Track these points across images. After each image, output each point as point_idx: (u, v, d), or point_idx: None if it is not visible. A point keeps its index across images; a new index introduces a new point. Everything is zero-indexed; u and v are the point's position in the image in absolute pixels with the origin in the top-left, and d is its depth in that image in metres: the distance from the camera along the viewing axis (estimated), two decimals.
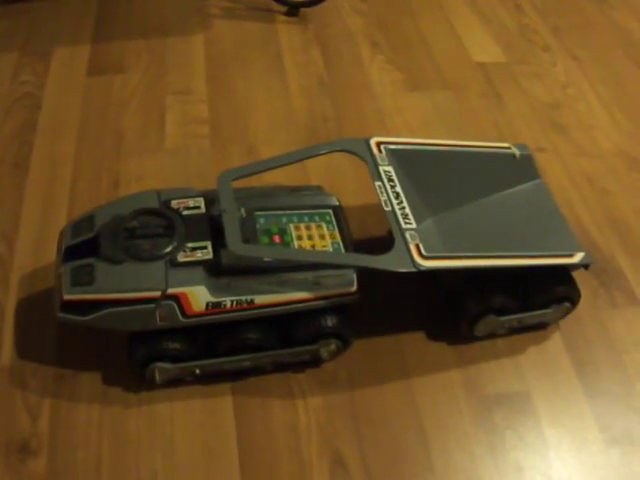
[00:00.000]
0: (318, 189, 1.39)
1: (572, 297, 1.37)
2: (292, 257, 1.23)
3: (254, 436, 1.24)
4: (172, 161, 1.66)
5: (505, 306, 1.33)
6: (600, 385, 1.36)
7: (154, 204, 1.28)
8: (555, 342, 1.41)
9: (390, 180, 1.30)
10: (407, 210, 1.26)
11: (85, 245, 1.23)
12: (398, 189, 1.28)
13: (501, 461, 1.25)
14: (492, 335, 1.40)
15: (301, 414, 1.27)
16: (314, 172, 1.63)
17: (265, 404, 1.28)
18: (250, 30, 2.05)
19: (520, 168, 1.44)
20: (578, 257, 1.32)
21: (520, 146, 1.45)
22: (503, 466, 1.24)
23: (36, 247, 1.48)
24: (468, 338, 1.39)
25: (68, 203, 1.56)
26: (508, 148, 1.44)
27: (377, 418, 1.28)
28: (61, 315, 1.19)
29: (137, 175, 1.62)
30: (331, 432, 1.26)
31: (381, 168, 1.31)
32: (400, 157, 1.34)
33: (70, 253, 1.23)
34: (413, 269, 1.19)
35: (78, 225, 1.27)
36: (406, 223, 1.24)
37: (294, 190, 1.37)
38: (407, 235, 1.21)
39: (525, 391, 1.34)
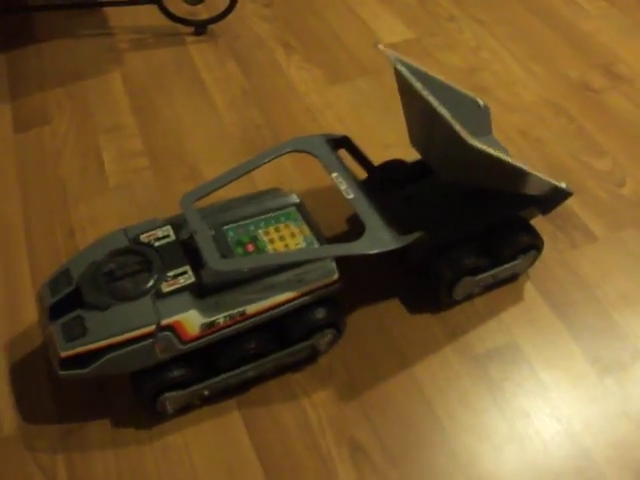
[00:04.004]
0: (276, 191, 1.41)
1: (536, 244, 1.43)
2: (272, 262, 1.25)
3: (271, 444, 1.27)
4: (120, 198, 1.67)
5: (477, 266, 1.38)
6: (581, 322, 1.43)
7: (124, 243, 1.28)
8: (529, 291, 1.47)
9: (410, 75, 1.30)
10: (435, 100, 1.25)
11: (68, 299, 1.22)
12: (419, 84, 1.28)
13: (507, 411, 1.30)
14: (469, 296, 1.45)
15: (309, 412, 1.31)
16: (261, 180, 1.65)
17: (273, 411, 1.31)
18: (163, 57, 2.07)
19: (483, 119, 1.49)
20: (564, 184, 1.36)
21: (481, 100, 1.49)
22: (510, 415, 1.29)
23: (7, 313, 1.47)
24: (448, 304, 1.44)
25: (29, 262, 1.55)
26: (474, 97, 1.48)
27: (381, 398, 1.32)
28: (63, 373, 1.18)
29: (89, 218, 1.63)
30: (342, 421, 1.29)
31: (399, 67, 1.32)
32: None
33: (55, 310, 1.21)
34: (390, 247, 1.23)
35: (55, 281, 1.26)
36: (441, 109, 1.23)
37: (253, 197, 1.39)
38: (448, 118, 1.21)
39: (513, 342, 1.39)
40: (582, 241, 1.56)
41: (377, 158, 1.49)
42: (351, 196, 1.30)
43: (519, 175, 1.29)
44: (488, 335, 1.41)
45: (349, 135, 1.46)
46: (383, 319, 1.43)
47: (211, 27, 2.14)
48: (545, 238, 1.48)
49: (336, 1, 2.26)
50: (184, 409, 1.31)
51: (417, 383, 1.34)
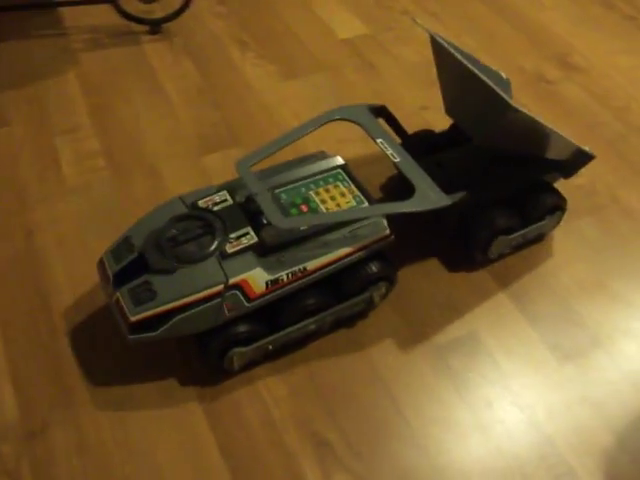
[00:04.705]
0: (321, 154, 1.47)
1: (561, 205, 1.53)
2: (332, 219, 1.31)
3: (235, 442, 1.27)
4: (78, 199, 1.65)
5: (509, 226, 1.46)
6: (539, 311, 1.45)
7: (181, 209, 1.34)
8: (487, 282, 1.50)
9: (447, 46, 1.38)
10: (474, 68, 1.34)
11: (132, 266, 1.27)
12: (458, 54, 1.37)
13: (471, 402, 1.31)
14: (501, 256, 1.53)
15: (272, 408, 1.31)
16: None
17: (235, 408, 1.31)
18: (119, 56, 2.05)
19: (505, 91, 1.50)
20: (588, 148, 1.45)
21: (503, 73, 1.58)
22: (474, 406, 1.31)
23: None
24: (482, 263, 1.53)
25: None
26: (497, 70, 1.57)
27: (343, 393, 1.33)
28: (132, 337, 1.23)
29: (49, 220, 1.61)
30: (305, 417, 1.30)
31: (437, 38, 1.41)
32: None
33: (119, 277, 1.27)
34: (440, 205, 1.31)
35: (116, 250, 1.31)
36: (482, 76, 1.32)
37: (299, 161, 1.45)
38: (490, 84, 1.30)
39: (472, 332, 1.41)
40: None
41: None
42: (397, 159, 1.37)
43: (550, 138, 1.38)
44: (448, 326, 1.42)
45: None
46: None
47: (166, 25, 2.14)
48: None
49: None
50: (248, 366, 1.34)
51: (379, 376, 1.35)
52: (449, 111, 1.56)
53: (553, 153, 1.44)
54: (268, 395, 1.33)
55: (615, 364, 1.38)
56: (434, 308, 1.45)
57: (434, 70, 1.93)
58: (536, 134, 1.37)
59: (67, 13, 2.22)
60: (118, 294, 1.25)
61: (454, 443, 1.27)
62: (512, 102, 1.27)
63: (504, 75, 1.56)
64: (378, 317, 1.43)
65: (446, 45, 1.38)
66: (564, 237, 1.58)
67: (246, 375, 1.35)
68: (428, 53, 1.98)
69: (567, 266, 1.52)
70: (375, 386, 1.33)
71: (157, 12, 2.15)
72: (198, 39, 2.11)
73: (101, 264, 1.32)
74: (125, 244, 1.31)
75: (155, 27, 2.13)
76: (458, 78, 1.44)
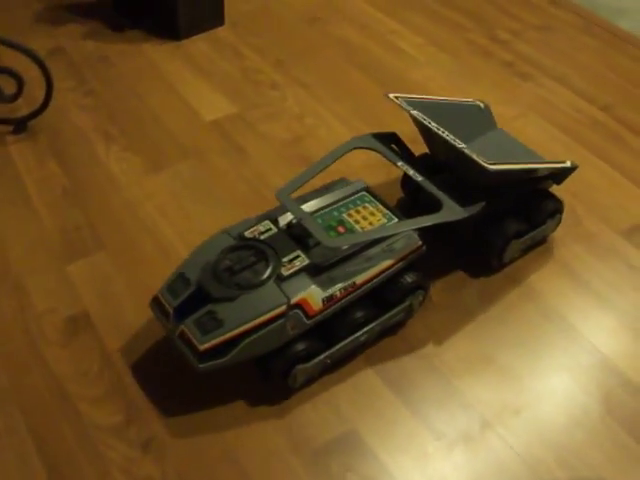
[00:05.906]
0: (344, 180, 1.59)
1: (560, 208, 1.68)
2: (375, 236, 1.41)
3: None
4: None
5: (519, 231, 1.60)
6: (420, 396, 1.40)
7: (229, 242, 1.42)
8: (363, 370, 1.45)
9: (424, 119, 1.54)
10: (451, 136, 1.50)
11: (191, 299, 1.34)
12: (434, 124, 1.52)
13: None
14: (512, 260, 1.66)
15: None
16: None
17: None
18: None
19: (487, 117, 1.73)
20: (569, 163, 1.62)
21: (480, 101, 1.75)
22: None
23: None
24: (498, 268, 1.65)
25: None
26: (474, 102, 1.74)
27: None
28: (202, 366, 1.29)
29: None
30: None
31: (412, 112, 1.55)
32: (415, 106, 1.59)
33: (180, 311, 1.33)
34: (465, 215, 1.44)
35: (172, 286, 1.38)
36: (459, 144, 1.48)
37: (325, 188, 1.56)
38: (466, 151, 1.46)
39: (351, 430, 1.35)
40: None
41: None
42: (420, 178, 1.50)
43: (535, 169, 1.57)
44: (324, 425, 1.36)
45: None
46: (217, 414, 1.38)
47: (31, 123, 2.05)
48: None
49: (157, 80, 2.20)
50: (308, 381, 1.42)
51: None
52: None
53: (542, 173, 1.61)
54: None
55: (506, 444, 1.33)
56: (309, 407, 1.39)
57: (305, 144, 1.89)
58: (522, 171, 1.53)
59: None
60: (183, 326, 1.31)
61: None
62: (487, 164, 1.42)
63: (482, 105, 1.73)
64: (254, 425, 1.37)
65: (424, 120, 1.53)
66: (445, 312, 1.54)
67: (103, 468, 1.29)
68: (298, 127, 1.98)
69: (448, 343, 1.48)
70: None
71: (23, 109, 2.07)
72: (63, 135, 2.02)
73: (156, 302, 1.39)
74: (180, 280, 1.38)
75: (20, 125, 2.04)
76: (440, 143, 1.55)
